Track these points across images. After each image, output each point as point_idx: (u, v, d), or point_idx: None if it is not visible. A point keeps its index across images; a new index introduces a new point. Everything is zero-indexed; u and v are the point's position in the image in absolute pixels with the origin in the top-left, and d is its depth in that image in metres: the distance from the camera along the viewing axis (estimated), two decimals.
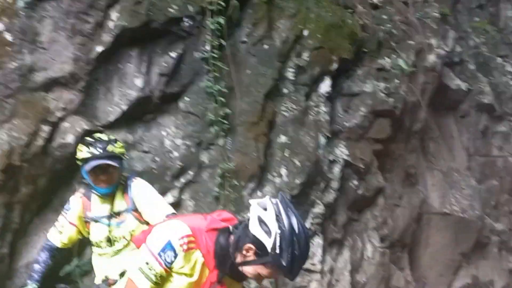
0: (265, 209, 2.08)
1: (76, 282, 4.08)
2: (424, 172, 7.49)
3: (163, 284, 2.20)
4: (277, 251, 2.00)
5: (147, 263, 2.15)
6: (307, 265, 5.30)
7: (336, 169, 5.75)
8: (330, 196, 5.64)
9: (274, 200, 2.10)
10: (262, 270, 2.08)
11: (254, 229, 2.06)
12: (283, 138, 5.29)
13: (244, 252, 2.09)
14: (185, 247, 2.13)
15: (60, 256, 3.73)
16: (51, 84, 4.19)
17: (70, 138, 4.14)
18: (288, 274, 2.04)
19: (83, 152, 3.33)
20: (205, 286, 2.20)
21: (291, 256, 1.99)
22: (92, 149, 3.30)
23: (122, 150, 3.45)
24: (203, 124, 4.92)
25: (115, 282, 3.14)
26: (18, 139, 3.94)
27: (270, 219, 2.04)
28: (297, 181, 5.20)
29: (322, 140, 5.56)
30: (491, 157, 8.39)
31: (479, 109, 8.19)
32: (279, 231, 2.00)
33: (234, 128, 5.02)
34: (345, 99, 5.98)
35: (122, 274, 3.08)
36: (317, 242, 5.40)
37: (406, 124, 6.64)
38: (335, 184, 5.71)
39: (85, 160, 3.32)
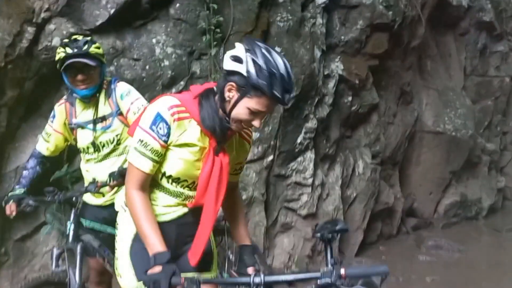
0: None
1: (67, 187, 4.07)
2: (420, 91, 7.44)
3: (164, 161, 2.14)
4: (252, 70, 1.92)
5: (141, 141, 2.08)
6: (298, 178, 5.34)
7: (331, 84, 5.67)
8: (324, 111, 5.59)
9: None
10: (250, 103, 1.97)
11: (227, 65, 1.99)
12: (277, 50, 5.13)
13: (227, 96, 2.01)
14: (176, 116, 2.06)
15: (50, 164, 3.69)
16: None
17: (55, 41, 3.99)
18: (273, 95, 1.93)
19: (59, 53, 3.21)
20: (209, 154, 2.13)
21: (268, 71, 1.91)
22: (67, 49, 3.18)
23: (100, 51, 3.29)
24: (194, 33, 4.76)
25: (104, 184, 3.11)
26: (1, 40, 3.79)
27: (239, 50, 1.99)
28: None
29: (318, 53, 5.43)
30: (488, 77, 8.33)
31: (479, 27, 8.04)
32: (249, 54, 1.95)
33: (227, 38, 4.86)
34: (343, 11, 5.80)
35: (111, 175, 3.06)
36: (309, 157, 5.40)
37: (404, 40, 6.50)
38: (329, 99, 5.64)
39: (62, 61, 3.20)
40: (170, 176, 2.17)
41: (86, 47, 3.20)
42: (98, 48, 3.29)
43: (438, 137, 7.49)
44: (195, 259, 2.19)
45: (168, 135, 2.07)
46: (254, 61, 1.93)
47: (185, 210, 2.26)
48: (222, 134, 2.10)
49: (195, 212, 2.22)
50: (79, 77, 3.21)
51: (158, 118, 2.05)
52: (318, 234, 2.74)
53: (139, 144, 2.09)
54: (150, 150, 2.08)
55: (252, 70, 1.92)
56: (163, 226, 2.14)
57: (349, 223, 5.92)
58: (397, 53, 6.52)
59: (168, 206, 2.23)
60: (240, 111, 2.00)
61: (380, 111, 6.50)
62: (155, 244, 2.03)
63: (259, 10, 5.02)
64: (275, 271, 5.14)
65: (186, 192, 2.22)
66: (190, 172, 2.16)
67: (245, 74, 1.94)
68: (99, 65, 3.27)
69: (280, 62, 1.96)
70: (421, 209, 7.61)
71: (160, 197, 2.23)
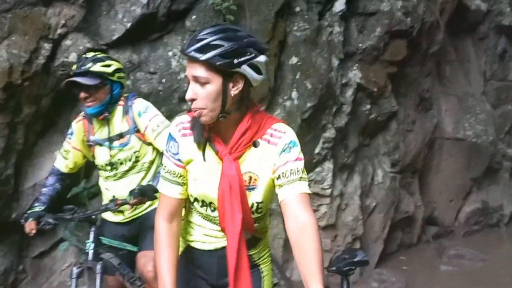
0: None
1: (84, 204, 4.04)
2: (439, 97, 7.33)
3: (188, 183, 2.02)
4: None
5: (162, 164, 2.03)
6: (317, 189, 5.27)
7: (349, 93, 5.59)
8: (342, 120, 5.51)
9: None
10: None
11: None
12: (294, 60, 5.09)
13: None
14: (182, 132, 1.96)
15: (69, 181, 3.67)
16: None
17: (72, 57, 3.98)
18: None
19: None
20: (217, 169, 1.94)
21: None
22: (74, 67, 3.17)
23: (107, 69, 3.22)
24: None
25: (124, 201, 3.07)
26: (18, 57, 3.77)
27: None
28: (308, 104, 5.05)
29: (335, 62, 5.37)
30: (508, 81, 8.20)
31: (498, 31, 7.92)
32: None
33: None
34: (360, 18, 5.73)
35: (131, 193, 3.03)
36: (327, 167, 5.32)
37: (422, 46, 6.41)
38: (347, 108, 5.56)
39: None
40: (196, 199, 2.04)
41: (88, 65, 3.15)
42: (107, 66, 3.22)
43: (458, 143, 7.37)
44: None
45: (178, 153, 1.98)
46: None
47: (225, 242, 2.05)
48: (199, 133, 1.93)
49: None
50: (82, 95, 3.18)
51: (170, 137, 2.00)
52: (334, 268, 2.39)
53: (163, 170, 2.04)
54: (168, 172, 2.01)
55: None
56: (204, 255, 2.06)
57: (368, 255, 5.81)
58: (415, 59, 6.42)
59: (209, 236, 2.06)
60: None
61: (399, 118, 6.40)
62: (166, 284, 1.94)
63: (275, 20, 4.96)
64: (294, 284, 5.07)
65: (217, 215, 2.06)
66: (205, 192, 2.00)
67: None
68: (106, 83, 3.22)
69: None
70: (442, 217, 7.48)
71: (198, 222, 2.08)
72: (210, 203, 2.00)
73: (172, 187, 2.02)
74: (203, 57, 1.75)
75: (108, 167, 3.35)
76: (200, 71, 1.78)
